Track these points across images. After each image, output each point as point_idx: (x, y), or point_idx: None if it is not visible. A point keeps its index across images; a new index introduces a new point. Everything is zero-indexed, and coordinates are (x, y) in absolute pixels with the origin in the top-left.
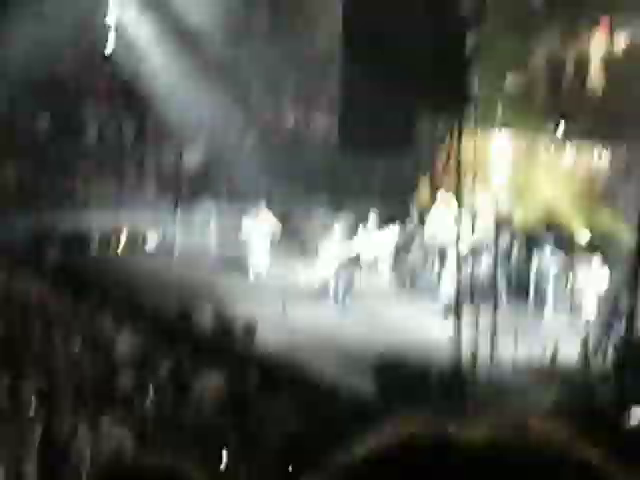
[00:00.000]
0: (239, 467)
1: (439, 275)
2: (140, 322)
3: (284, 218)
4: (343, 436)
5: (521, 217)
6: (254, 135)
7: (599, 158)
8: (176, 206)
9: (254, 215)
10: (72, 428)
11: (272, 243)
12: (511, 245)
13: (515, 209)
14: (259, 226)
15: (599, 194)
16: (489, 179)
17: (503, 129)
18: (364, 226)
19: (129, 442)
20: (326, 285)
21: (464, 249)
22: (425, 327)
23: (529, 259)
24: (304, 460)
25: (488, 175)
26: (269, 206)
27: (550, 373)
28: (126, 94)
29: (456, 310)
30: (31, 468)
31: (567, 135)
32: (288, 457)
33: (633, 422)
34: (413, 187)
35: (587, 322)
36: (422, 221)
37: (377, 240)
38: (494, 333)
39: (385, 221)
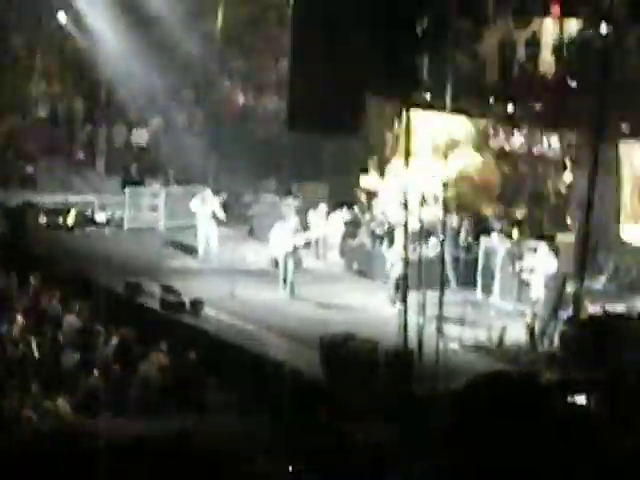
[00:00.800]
0: None
1: (387, 259)
2: (87, 298)
3: (232, 201)
4: (288, 414)
5: (469, 201)
6: (203, 117)
7: (548, 143)
8: (124, 187)
9: (201, 197)
10: (17, 408)
11: (219, 225)
12: (458, 229)
13: (463, 193)
14: (206, 208)
15: (547, 179)
16: (438, 163)
17: (453, 113)
18: (313, 210)
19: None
20: (274, 267)
21: (412, 233)
22: (372, 310)
23: (477, 243)
24: (250, 437)
25: (437, 159)
26: (216, 188)
27: (497, 355)
28: (77, 73)
29: (403, 294)
30: None
31: (517, 119)
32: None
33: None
34: (362, 171)
35: (534, 306)
36: (370, 205)
37: (326, 224)
38: (441, 316)
39: (334, 205)
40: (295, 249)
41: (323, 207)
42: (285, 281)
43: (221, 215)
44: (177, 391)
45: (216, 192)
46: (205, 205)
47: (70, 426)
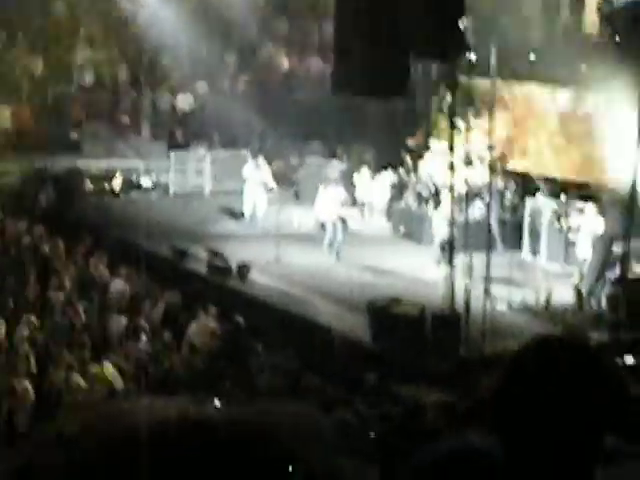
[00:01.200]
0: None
1: (433, 221)
2: (134, 264)
3: (278, 164)
4: (339, 377)
5: (515, 163)
6: (248, 80)
7: (593, 105)
8: (170, 148)
9: (254, 163)
10: (66, 372)
11: (267, 189)
12: (504, 191)
13: (509, 156)
14: (254, 172)
15: (593, 141)
16: (483, 127)
17: (497, 79)
18: (359, 173)
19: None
20: (321, 231)
21: (458, 195)
22: (419, 272)
23: (522, 205)
24: (300, 399)
25: (482, 123)
26: (263, 152)
27: (544, 316)
28: (121, 37)
29: (450, 255)
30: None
31: (560, 82)
32: (283, 399)
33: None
34: (408, 134)
35: (581, 266)
36: (416, 168)
37: (372, 186)
38: (488, 278)
39: (380, 168)
40: (341, 213)
41: (368, 170)
42: (331, 245)
43: (272, 185)
44: (225, 355)
45: (263, 155)
46: (257, 172)
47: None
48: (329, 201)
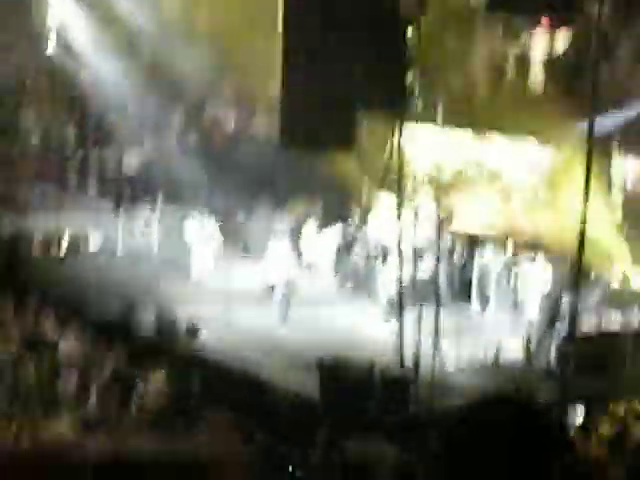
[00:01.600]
0: None
1: (381, 276)
2: (83, 324)
3: (226, 220)
4: (289, 437)
5: (464, 217)
6: (195, 138)
7: (539, 157)
8: (117, 208)
9: (195, 218)
10: (14, 434)
11: (214, 246)
12: (453, 245)
13: (457, 209)
14: (200, 229)
15: (541, 195)
16: (431, 179)
17: (444, 129)
18: (306, 227)
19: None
20: (270, 289)
21: (406, 250)
22: (368, 329)
23: (471, 259)
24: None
25: (430, 175)
26: (210, 208)
27: (493, 372)
28: (67, 96)
29: (398, 311)
30: None
31: (508, 134)
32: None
33: (574, 419)
34: (355, 188)
35: (530, 321)
36: (364, 222)
37: (319, 241)
38: (437, 333)
39: (327, 222)
40: (290, 272)
41: (316, 224)
42: (281, 306)
43: (218, 239)
44: (174, 416)
45: (211, 213)
46: (202, 229)
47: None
48: (277, 259)
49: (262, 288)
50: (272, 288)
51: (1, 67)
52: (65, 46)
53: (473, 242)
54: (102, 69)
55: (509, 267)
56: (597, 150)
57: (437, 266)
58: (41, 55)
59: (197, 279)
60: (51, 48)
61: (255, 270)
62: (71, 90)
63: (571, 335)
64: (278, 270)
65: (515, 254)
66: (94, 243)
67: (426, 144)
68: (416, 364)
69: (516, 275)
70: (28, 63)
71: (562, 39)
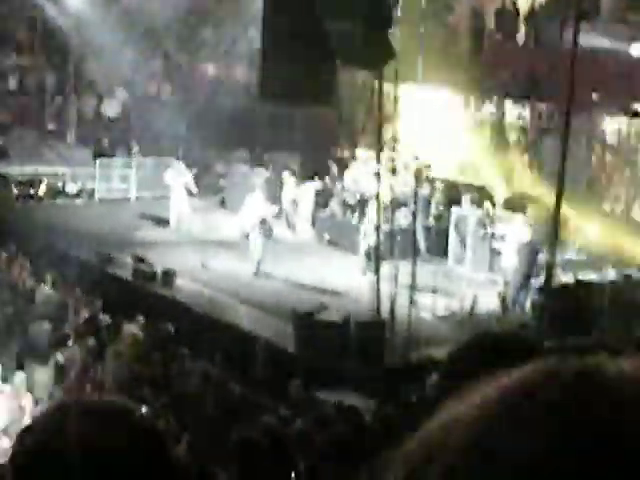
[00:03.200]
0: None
1: (358, 229)
2: (59, 271)
3: (204, 171)
4: (264, 384)
5: (441, 172)
6: (174, 87)
7: (519, 115)
8: (95, 158)
9: (175, 169)
10: None
11: (190, 195)
12: (430, 199)
13: (434, 164)
14: (179, 180)
15: (519, 151)
16: (409, 133)
17: (424, 84)
18: (284, 180)
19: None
20: (246, 237)
21: (383, 203)
22: (344, 280)
23: (448, 213)
24: (225, 410)
25: (408, 129)
26: (187, 159)
27: (469, 324)
28: (47, 44)
29: (375, 264)
30: None
31: (487, 90)
32: (208, 407)
33: None
34: (333, 141)
35: (505, 275)
36: (342, 176)
37: (297, 194)
38: (413, 286)
39: (305, 176)
40: (263, 222)
41: (293, 178)
42: (255, 254)
43: (193, 188)
44: (151, 361)
45: (188, 164)
46: (178, 177)
47: None
48: (253, 210)
49: (238, 236)
50: (247, 236)
51: None
52: None
53: (450, 196)
54: (81, 16)
55: (485, 220)
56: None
57: (414, 219)
58: (22, 2)
59: (175, 227)
60: None
61: (233, 221)
62: (51, 37)
63: (547, 288)
64: (252, 218)
65: (493, 207)
66: (72, 188)
67: (407, 100)
68: (392, 314)
69: (492, 227)
70: (9, 7)
71: None
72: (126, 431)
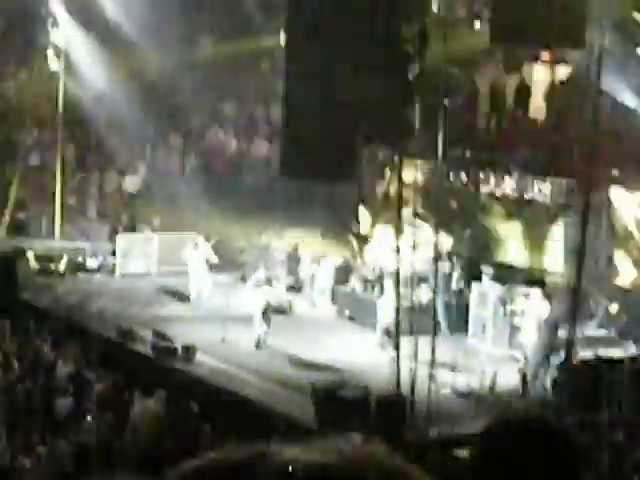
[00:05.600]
0: None
1: (378, 305)
2: (80, 346)
3: (224, 247)
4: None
5: (461, 248)
6: (194, 164)
7: (539, 191)
8: (116, 232)
9: (193, 243)
10: (11, 455)
11: (211, 270)
12: (450, 276)
13: (455, 240)
14: (198, 254)
15: (540, 227)
16: (429, 210)
17: (443, 160)
18: (304, 256)
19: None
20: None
21: (403, 279)
22: (364, 356)
23: (468, 289)
24: None
25: (428, 206)
26: (208, 235)
27: (489, 401)
28: (68, 119)
29: (395, 339)
30: None
31: (508, 167)
32: None
33: None
34: (353, 218)
35: (525, 351)
36: (362, 251)
37: (316, 271)
38: (433, 362)
39: (326, 250)
40: (265, 311)
41: (315, 253)
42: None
43: (213, 259)
44: (171, 438)
45: (207, 237)
46: (198, 251)
47: None
48: (252, 290)
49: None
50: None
51: (3, 86)
52: (67, 67)
53: (470, 272)
54: (103, 91)
55: (506, 296)
56: None
57: (434, 296)
58: (43, 75)
59: (195, 302)
60: (53, 68)
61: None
62: (72, 112)
63: (567, 365)
64: (257, 297)
65: (513, 283)
66: (93, 263)
67: (427, 177)
68: (412, 390)
69: (512, 304)
70: (29, 83)
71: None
72: None
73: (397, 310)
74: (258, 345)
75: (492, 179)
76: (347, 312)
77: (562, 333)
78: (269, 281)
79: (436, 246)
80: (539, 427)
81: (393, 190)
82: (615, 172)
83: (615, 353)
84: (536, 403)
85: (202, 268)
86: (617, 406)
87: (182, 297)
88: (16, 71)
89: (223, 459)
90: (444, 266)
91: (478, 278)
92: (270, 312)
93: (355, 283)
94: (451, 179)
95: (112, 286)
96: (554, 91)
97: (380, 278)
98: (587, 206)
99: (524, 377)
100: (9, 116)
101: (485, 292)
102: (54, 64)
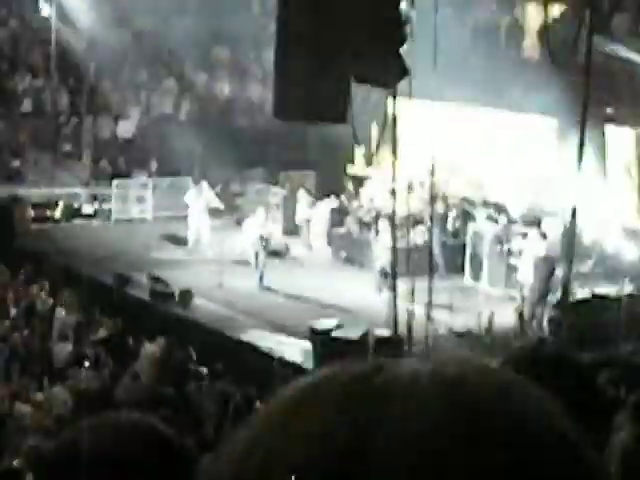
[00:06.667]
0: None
1: (374, 246)
2: (76, 292)
3: (220, 191)
4: None
5: (457, 188)
6: (189, 107)
7: (534, 130)
8: (111, 179)
9: (197, 189)
10: (9, 398)
11: (211, 212)
12: (446, 216)
13: (451, 180)
14: (197, 198)
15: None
16: (425, 150)
17: (439, 101)
18: (300, 199)
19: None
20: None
21: (399, 220)
22: (361, 298)
23: (464, 229)
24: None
25: (424, 146)
26: (205, 178)
27: (486, 340)
28: (62, 64)
29: (392, 280)
30: None
31: (501, 106)
32: (226, 426)
33: None
34: (349, 159)
35: (522, 290)
36: (357, 193)
37: (313, 213)
38: (430, 303)
39: (321, 194)
40: (262, 238)
41: (308, 196)
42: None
43: (219, 205)
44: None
45: (206, 181)
46: (199, 197)
47: None
48: (253, 230)
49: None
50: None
51: None
52: (60, 13)
53: (466, 212)
54: (96, 37)
55: (502, 235)
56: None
57: (431, 234)
58: (36, 21)
59: (192, 246)
60: (46, 14)
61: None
62: (65, 58)
63: (563, 302)
64: (252, 236)
65: (509, 222)
66: (89, 209)
67: (423, 117)
68: (409, 331)
69: (509, 243)
70: (23, 29)
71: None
72: (142, 442)
73: (393, 251)
74: (261, 280)
75: (486, 119)
76: (343, 254)
77: (558, 272)
78: (265, 224)
79: (432, 186)
80: (566, 364)
81: (389, 131)
82: (609, 110)
83: (611, 291)
84: (533, 341)
85: (201, 213)
86: (613, 344)
87: (179, 242)
88: (7, 17)
89: (340, 372)
90: (440, 206)
91: (474, 218)
92: (268, 250)
93: (351, 225)
94: None
95: (109, 231)
96: (546, 28)
97: (376, 219)
98: (582, 144)
99: (521, 316)
100: (1, 63)
101: (481, 231)
102: (46, 10)
